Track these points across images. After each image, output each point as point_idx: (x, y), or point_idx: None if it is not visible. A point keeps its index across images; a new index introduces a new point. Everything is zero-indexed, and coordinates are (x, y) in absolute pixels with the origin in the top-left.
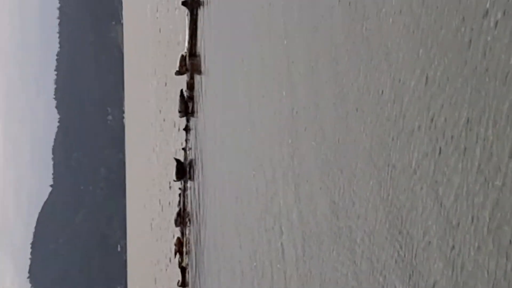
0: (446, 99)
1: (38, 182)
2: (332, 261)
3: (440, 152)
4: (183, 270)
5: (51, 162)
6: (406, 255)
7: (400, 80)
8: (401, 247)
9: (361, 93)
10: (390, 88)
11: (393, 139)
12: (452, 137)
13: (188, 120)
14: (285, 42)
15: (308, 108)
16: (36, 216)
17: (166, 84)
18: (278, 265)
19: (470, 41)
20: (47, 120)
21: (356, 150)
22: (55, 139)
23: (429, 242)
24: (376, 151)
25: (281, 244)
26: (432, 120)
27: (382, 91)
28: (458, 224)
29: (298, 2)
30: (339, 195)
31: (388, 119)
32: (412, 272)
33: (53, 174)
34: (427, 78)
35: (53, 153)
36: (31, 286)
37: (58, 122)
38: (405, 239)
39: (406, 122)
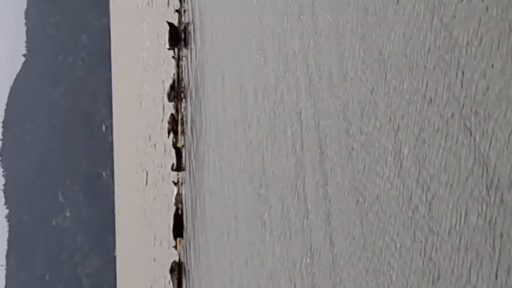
0: None
1: (9, 52)
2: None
3: None
4: (178, 151)
5: (24, 28)
6: None
7: None
8: None
9: None
10: None
11: None
12: None
13: None
14: None
15: None
16: (8, 91)
17: None
18: (290, 131)
19: None
20: None
21: None
22: (28, 1)
23: None
24: None
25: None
26: None
27: None
28: None
29: None
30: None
31: None
32: None
33: (26, 42)
34: None
35: (26, 18)
36: (3, 171)
37: None
38: None
39: None
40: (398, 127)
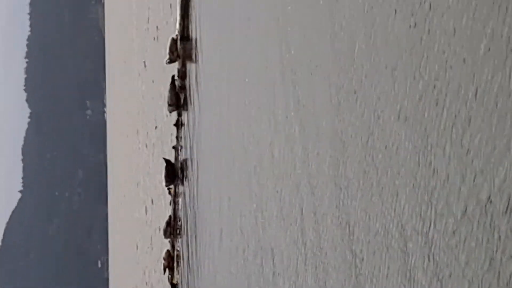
0: None
1: (5, 188)
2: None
3: None
4: None
5: (21, 164)
6: None
7: None
8: None
9: None
10: None
11: None
12: None
13: (179, 115)
14: (282, 24)
15: (307, 105)
16: (3, 227)
17: (154, 73)
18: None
19: None
20: (16, 116)
21: None
22: (25, 138)
23: None
24: None
25: (273, 273)
26: None
27: None
28: None
29: None
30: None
31: None
32: None
33: (22, 178)
34: None
35: (23, 154)
36: None
37: (29, 117)
38: None
39: None
40: None
